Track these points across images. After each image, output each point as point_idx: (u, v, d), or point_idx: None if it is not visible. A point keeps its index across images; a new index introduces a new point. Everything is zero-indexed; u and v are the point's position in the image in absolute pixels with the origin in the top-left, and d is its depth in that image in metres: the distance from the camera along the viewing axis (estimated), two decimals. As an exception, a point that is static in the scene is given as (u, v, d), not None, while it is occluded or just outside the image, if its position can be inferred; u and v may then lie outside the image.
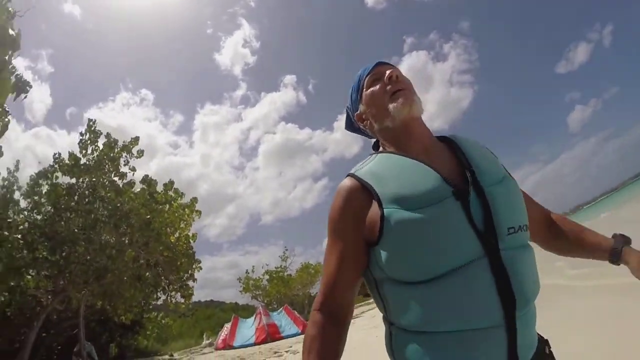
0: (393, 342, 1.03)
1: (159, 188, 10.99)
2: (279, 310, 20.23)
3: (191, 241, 12.51)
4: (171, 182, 11.78)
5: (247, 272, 30.31)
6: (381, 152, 1.15)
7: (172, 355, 18.49)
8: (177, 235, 11.91)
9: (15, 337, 12.81)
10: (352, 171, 1.09)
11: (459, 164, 1.05)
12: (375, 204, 0.98)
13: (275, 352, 11.03)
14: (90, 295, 10.70)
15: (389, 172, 1.03)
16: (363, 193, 1.01)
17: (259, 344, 15.51)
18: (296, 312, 19.43)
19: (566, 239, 1.22)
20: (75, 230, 8.44)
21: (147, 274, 12.13)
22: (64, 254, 8.45)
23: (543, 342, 1.08)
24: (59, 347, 14.78)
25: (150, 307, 18.33)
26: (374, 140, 1.25)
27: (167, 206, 10.86)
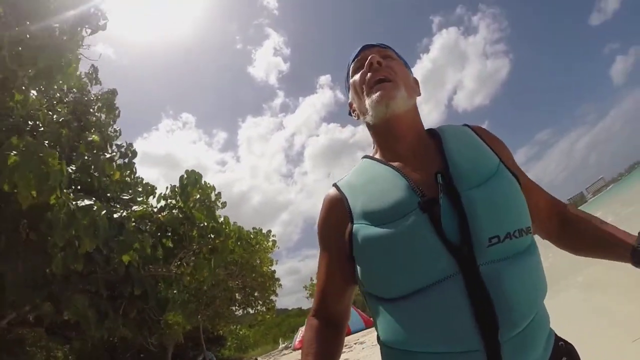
0: (382, 357, 1.02)
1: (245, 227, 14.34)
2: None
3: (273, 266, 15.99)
4: (260, 229, 14.85)
5: (311, 279, 33.73)
6: (365, 157, 1.16)
7: (256, 359, 22.05)
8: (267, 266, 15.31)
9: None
10: (336, 180, 1.13)
11: (435, 168, 0.96)
12: (347, 219, 1.00)
13: (345, 345, 13.86)
14: (203, 318, 14.09)
15: (362, 183, 1.04)
16: (341, 205, 1.03)
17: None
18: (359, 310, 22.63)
19: (582, 236, 1.08)
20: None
21: (238, 295, 15.64)
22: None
23: (560, 353, 0.97)
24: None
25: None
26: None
27: (257, 246, 14.03)
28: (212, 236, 6.22)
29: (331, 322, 1.11)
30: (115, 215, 5.06)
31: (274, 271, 15.55)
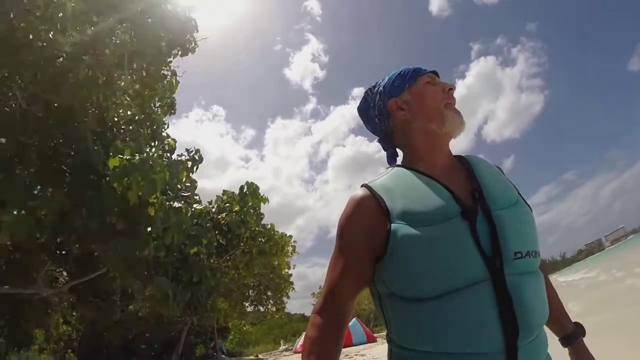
0: (392, 358, 1.08)
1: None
2: (352, 321, 24.51)
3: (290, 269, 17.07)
4: (285, 234, 16.00)
5: (320, 287, 34.89)
6: (397, 165, 1.20)
7: (257, 356, 23.11)
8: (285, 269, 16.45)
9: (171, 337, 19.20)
10: (366, 182, 1.13)
11: (470, 185, 1.07)
12: (384, 218, 1.01)
13: (346, 355, 14.33)
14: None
15: (401, 187, 1.07)
16: (374, 205, 1.05)
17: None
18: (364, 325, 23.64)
19: None
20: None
21: (252, 292, 16.73)
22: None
23: None
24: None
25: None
26: (387, 152, 1.29)
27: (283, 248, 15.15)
28: (263, 240, 7.38)
29: (336, 322, 1.12)
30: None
31: (291, 274, 16.71)
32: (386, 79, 1.28)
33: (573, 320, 1.30)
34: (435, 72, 1.23)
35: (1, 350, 19.51)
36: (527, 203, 1.14)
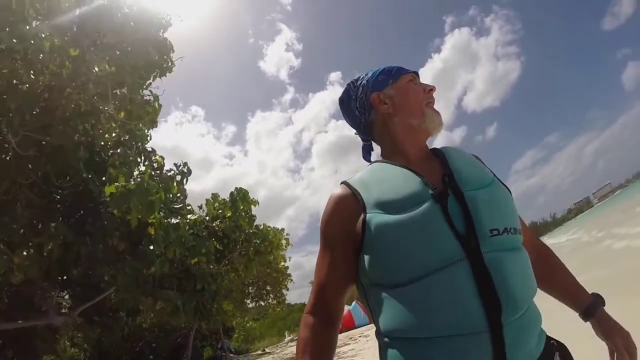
0: (382, 350, 1.08)
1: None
2: (352, 304, 25.26)
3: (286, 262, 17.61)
4: (278, 229, 16.47)
5: None
6: (374, 161, 1.27)
7: (264, 350, 23.71)
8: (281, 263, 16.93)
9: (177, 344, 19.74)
10: (345, 179, 1.19)
11: (441, 172, 1.11)
12: (359, 211, 1.06)
13: (351, 338, 14.77)
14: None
15: (375, 179, 1.13)
16: (352, 200, 1.10)
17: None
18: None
19: (550, 272, 1.28)
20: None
21: (251, 289, 17.29)
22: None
23: (552, 349, 1.08)
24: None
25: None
26: (363, 143, 1.37)
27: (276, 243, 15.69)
28: (258, 241, 7.88)
29: (328, 320, 1.15)
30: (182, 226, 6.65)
31: (287, 267, 17.26)
32: (370, 74, 1.33)
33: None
34: (416, 73, 1.30)
35: (11, 380, 19.84)
36: (505, 185, 1.16)
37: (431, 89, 1.27)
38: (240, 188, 8.09)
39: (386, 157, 1.25)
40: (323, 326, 1.15)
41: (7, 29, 4.82)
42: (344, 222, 1.11)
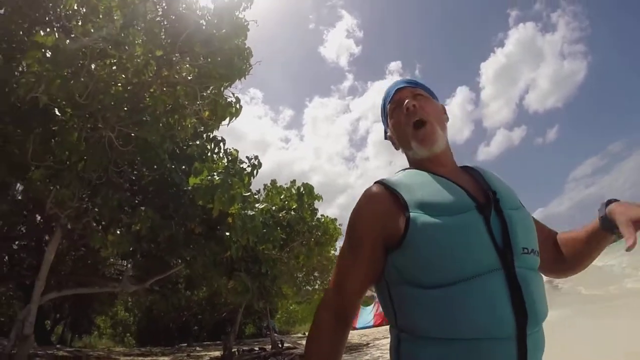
0: (401, 347, 1.12)
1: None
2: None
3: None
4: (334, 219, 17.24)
5: None
6: (408, 168, 1.31)
7: (304, 333, 24.90)
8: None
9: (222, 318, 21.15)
10: (380, 179, 1.21)
11: (480, 187, 1.19)
12: (400, 210, 1.10)
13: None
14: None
15: (417, 183, 1.16)
16: (390, 199, 1.13)
17: (376, 326, 20.92)
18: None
19: (567, 244, 1.30)
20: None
21: (299, 274, 18.36)
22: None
23: None
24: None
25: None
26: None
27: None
28: (319, 234, 8.75)
29: (342, 319, 1.19)
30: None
31: (335, 255, 18.19)
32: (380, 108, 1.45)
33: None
34: (397, 90, 1.35)
35: (66, 337, 21.91)
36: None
37: (407, 107, 1.28)
38: (307, 183, 9.09)
39: (420, 166, 1.29)
40: (337, 325, 1.19)
41: (103, 36, 5.62)
42: (380, 219, 1.13)
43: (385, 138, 1.45)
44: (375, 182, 1.22)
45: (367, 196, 1.20)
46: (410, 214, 1.08)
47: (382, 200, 1.15)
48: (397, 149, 1.39)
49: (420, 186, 1.15)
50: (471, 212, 1.09)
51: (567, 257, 1.30)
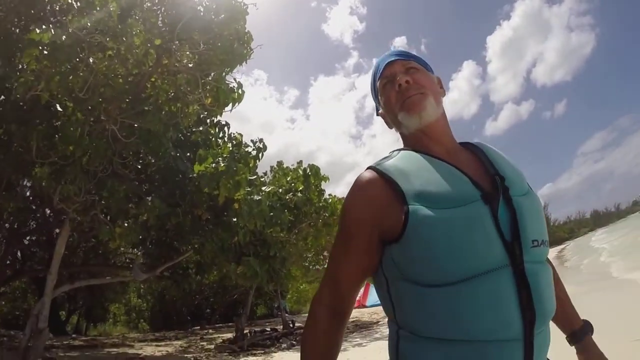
0: (400, 346, 1.06)
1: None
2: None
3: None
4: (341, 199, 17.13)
5: None
6: (404, 149, 1.19)
7: (316, 313, 25.38)
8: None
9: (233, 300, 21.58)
10: (372, 164, 1.11)
11: (485, 170, 1.08)
12: (397, 200, 1.00)
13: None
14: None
15: (414, 168, 1.06)
16: (385, 187, 1.04)
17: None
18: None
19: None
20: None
21: (309, 254, 18.62)
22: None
23: None
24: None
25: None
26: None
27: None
28: (327, 215, 8.87)
29: (339, 313, 1.15)
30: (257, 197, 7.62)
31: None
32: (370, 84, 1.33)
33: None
34: (388, 64, 1.23)
35: (82, 326, 22.38)
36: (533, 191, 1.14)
37: (399, 84, 1.16)
38: (313, 165, 9.22)
39: (415, 147, 1.18)
40: (334, 319, 1.15)
41: (100, 29, 5.64)
42: (374, 209, 1.05)
43: (377, 114, 1.33)
44: (367, 168, 1.12)
45: (359, 184, 1.10)
46: (410, 206, 0.98)
47: (376, 189, 1.06)
48: (390, 127, 1.28)
49: (417, 172, 1.05)
50: (476, 203, 0.99)
51: None
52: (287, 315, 16.50)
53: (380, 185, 1.05)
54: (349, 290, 1.15)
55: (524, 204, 1.03)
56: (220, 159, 6.52)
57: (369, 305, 21.80)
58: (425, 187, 1.01)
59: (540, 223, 1.07)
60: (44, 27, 5.32)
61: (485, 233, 0.96)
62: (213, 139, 8.16)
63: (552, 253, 35.75)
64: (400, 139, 1.25)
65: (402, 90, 1.15)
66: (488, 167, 1.10)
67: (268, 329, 13.65)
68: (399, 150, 1.18)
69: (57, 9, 6.37)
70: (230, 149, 7.53)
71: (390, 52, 1.27)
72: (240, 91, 6.56)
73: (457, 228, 0.95)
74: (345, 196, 1.16)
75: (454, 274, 0.95)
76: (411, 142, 1.19)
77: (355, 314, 19.03)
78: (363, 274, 1.12)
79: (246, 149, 7.88)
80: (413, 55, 1.25)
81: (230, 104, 6.65)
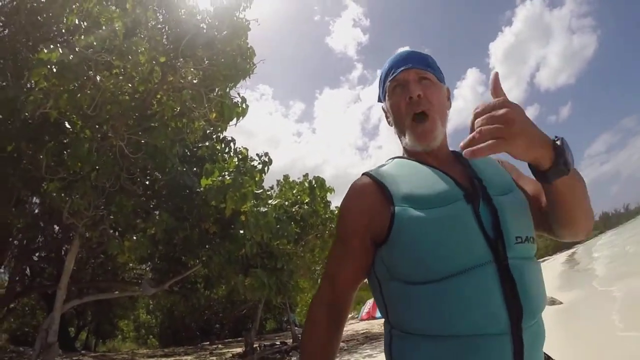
0: (392, 345, 1.09)
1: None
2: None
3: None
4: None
5: None
6: (397, 157, 1.27)
7: (325, 326, 25.23)
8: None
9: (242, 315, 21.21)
10: (367, 171, 1.19)
11: (468, 175, 1.13)
12: (386, 203, 1.07)
13: None
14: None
15: (403, 173, 1.14)
16: (376, 191, 1.11)
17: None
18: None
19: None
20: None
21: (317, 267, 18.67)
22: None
23: None
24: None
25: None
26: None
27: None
28: (333, 226, 8.97)
29: (337, 315, 1.19)
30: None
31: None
32: (379, 77, 1.33)
33: None
34: (404, 70, 1.21)
35: (91, 343, 22.47)
36: (523, 190, 1.18)
37: (411, 97, 1.18)
38: (318, 177, 9.37)
39: (408, 153, 1.26)
40: (332, 322, 1.19)
41: (106, 48, 5.78)
42: (366, 212, 1.11)
43: (378, 102, 1.37)
44: (363, 174, 1.20)
45: (354, 188, 1.18)
46: (395, 208, 1.05)
47: (369, 192, 1.13)
48: (389, 125, 1.31)
49: (407, 177, 1.13)
50: (459, 202, 1.05)
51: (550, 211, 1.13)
52: (296, 328, 16.45)
53: (372, 190, 1.12)
54: (347, 288, 1.20)
55: (504, 202, 1.08)
56: (226, 172, 6.60)
57: (378, 317, 21.77)
58: (412, 189, 1.08)
59: (524, 221, 1.09)
60: (51, 46, 5.45)
61: (468, 230, 1.01)
62: (219, 154, 8.29)
63: (562, 257, 35.45)
64: (399, 139, 1.30)
65: (412, 103, 1.18)
66: (469, 170, 1.16)
67: (278, 343, 13.65)
68: (394, 158, 1.27)
69: (64, 29, 6.51)
70: (236, 163, 7.62)
71: (408, 53, 1.27)
72: (244, 105, 6.66)
73: (441, 226, 1.01)
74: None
75: (439, 271, 0.99)
76: (409, 150, 1.25)
77: (366, 325, 18.92)
78: (360, 274, 1.18)
79: (252, 163, 7.98)
80: (430, 64, 1.25)
81: (235, 119, 6.73)
